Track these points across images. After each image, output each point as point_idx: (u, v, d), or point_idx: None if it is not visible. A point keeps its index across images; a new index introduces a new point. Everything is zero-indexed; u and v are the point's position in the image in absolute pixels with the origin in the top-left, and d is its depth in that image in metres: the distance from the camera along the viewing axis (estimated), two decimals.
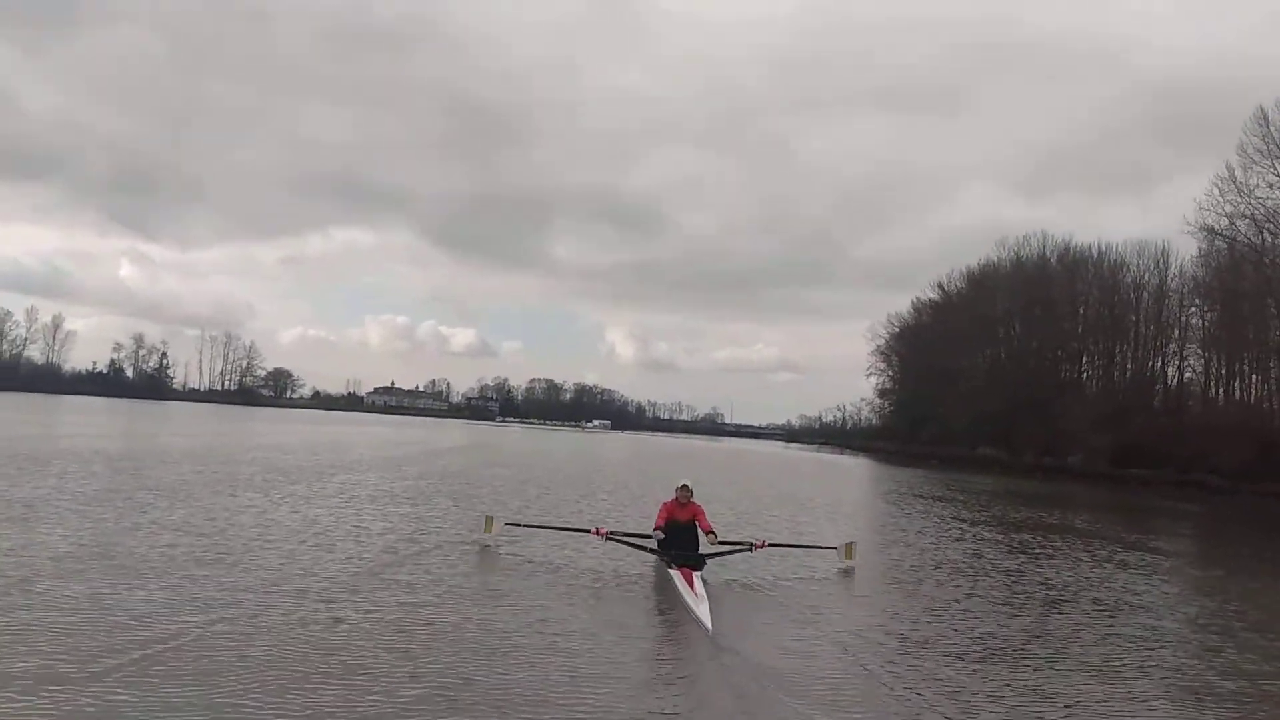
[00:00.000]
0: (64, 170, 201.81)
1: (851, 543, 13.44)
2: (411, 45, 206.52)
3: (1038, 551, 17.57)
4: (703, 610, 9.02)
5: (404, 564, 11.28)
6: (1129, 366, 75.21)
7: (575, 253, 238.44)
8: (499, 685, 6.57)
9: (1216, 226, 55.55)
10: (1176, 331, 71.57)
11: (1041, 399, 69.91)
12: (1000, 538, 19.78)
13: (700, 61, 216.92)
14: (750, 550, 12.39)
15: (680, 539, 11.52)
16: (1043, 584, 13.39)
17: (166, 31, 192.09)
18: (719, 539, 12.10)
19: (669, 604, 9.89)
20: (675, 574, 10.50)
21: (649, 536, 11.90)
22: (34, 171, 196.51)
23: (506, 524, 13.37)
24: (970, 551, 16.88)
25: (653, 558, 11.83)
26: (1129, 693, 7.59)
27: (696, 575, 10.26)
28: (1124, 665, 8.54)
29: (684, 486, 12.30)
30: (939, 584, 12.73)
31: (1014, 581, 13.41)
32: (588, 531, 12.90)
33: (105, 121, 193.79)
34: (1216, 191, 54.90)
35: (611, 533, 12.59)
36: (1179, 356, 71.50)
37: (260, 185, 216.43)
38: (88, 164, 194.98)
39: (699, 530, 11.90)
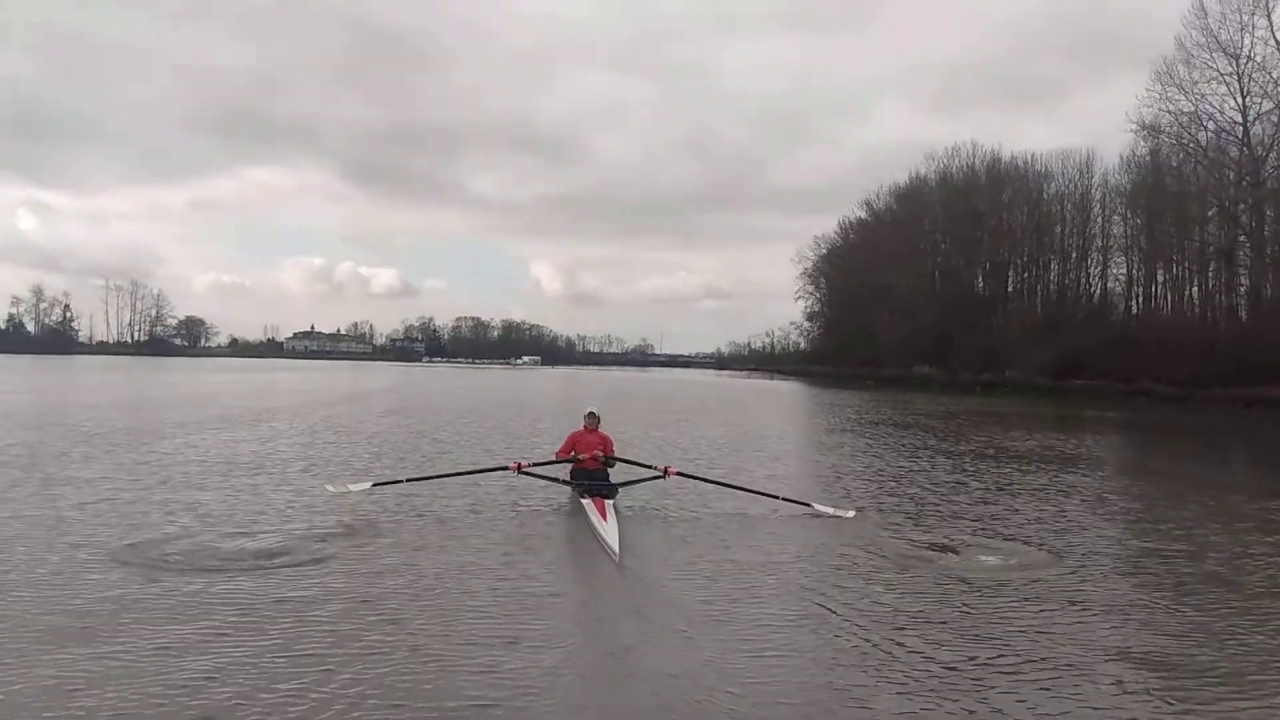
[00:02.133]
0: None
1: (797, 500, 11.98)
2: None
3: (989, 474, 16.14)
4: (611, 536, 9.02)
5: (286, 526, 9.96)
6: (1057, 279, 75.61)
7: (495, 185, 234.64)
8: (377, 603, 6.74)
9: (1157, 124, 55.02)
10: (1100, 240, 72.09)
11: (976, 314, 69.62)
12: (949, 459, 18.28)
13: None
14: (662, 477, 11.73)
15: (590, 468, 11.49)
16: (991, 507, 12.13)
17: None
18: (619, 457, 12.06)
19: (580, 534, 9.75)
20: (587, 503, 10.40)
21: (565, 463, 11.78)
22: None
23: (375, 485, 11.91)
24: (925, 480, 15.29)
25: (568, 490, 11.63)
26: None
27: (608, 504, 10.22)
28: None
29: (591, 414, 12.29)
30: (884, 519, 11.46)
31: (956, 505, 12.34)
32: (506, 468, 12.06)
33: None
34: (1158, 87, 54.19)
35: (530, 465, 11.89)
36: (1102, 265, 72.25)
37: (162, 123, 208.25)
38: None
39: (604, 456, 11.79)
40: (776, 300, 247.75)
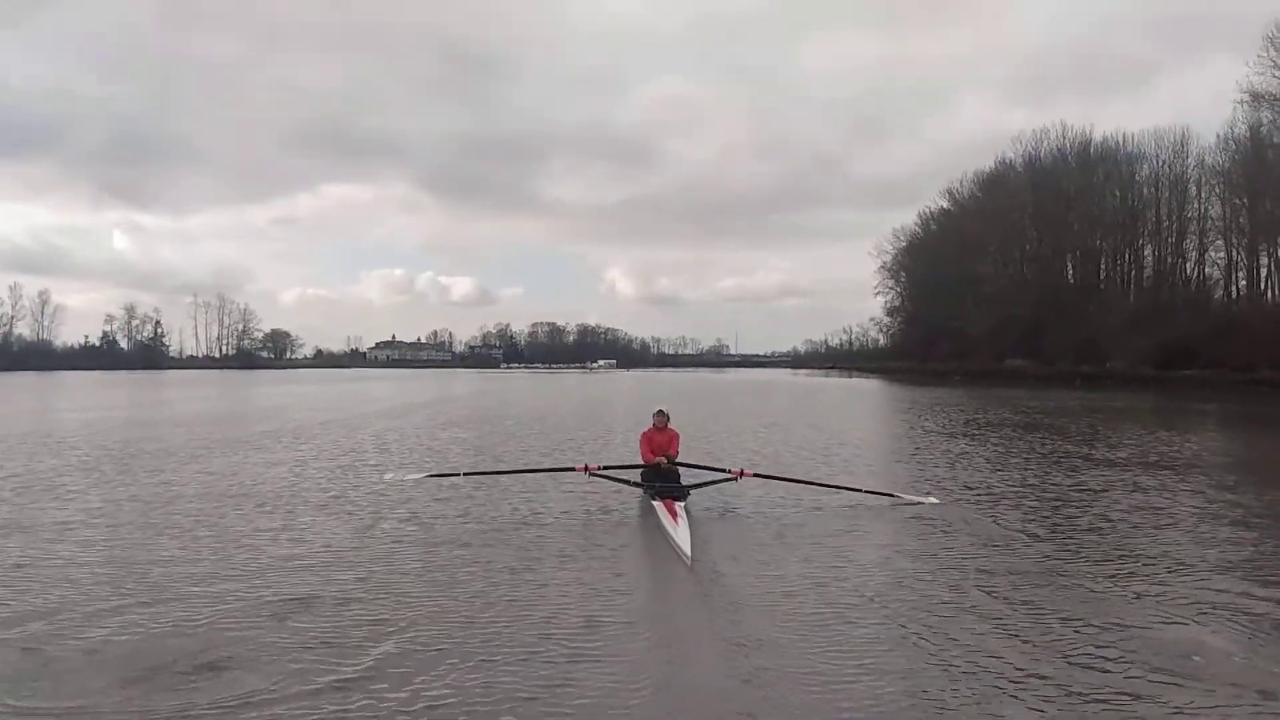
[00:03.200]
0: (55, 145, 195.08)
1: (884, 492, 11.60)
2: None
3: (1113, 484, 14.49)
4: (683, 538, 8.67)
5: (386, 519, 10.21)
6: (1152, 264, 72.23)
7: (571, 192, 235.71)
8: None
9: (1267, 92, 51.77)
10: (1198, 223, 68.56)
11: (1069, 303, 66.54)
12: (1070, 464, 16.63)
13: None
14: (735, 479, 11.21)
15: (663, 469, 11.10)
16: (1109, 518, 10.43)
17: None
18: (692, 463, 11.75)
19: (651, 536, 9.39)
20: (658, 505, 10.05)
21: (637, 467, 11.40)
22: (24, 148, 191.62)
23: (465, 474, 11.89)
24: (1035, 485, 13.75)
25: (638, 493, 11.26)
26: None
27: (679, 505, 9.87)
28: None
29: (659, 412, 11.90)
30: (992, 523, 10.27)
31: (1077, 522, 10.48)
32: (574, 469, 11.75)
33: (91, 89, 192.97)
34: (1271, 53, 51.28)
35: (600, 467, 11.57)
36: (1199, 248, 68.68)
37: (250, 143, 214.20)
38: (77, 136, 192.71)
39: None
40: (854, 296, 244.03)
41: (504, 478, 12.36)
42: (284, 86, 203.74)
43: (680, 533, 8.88)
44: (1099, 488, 12.59)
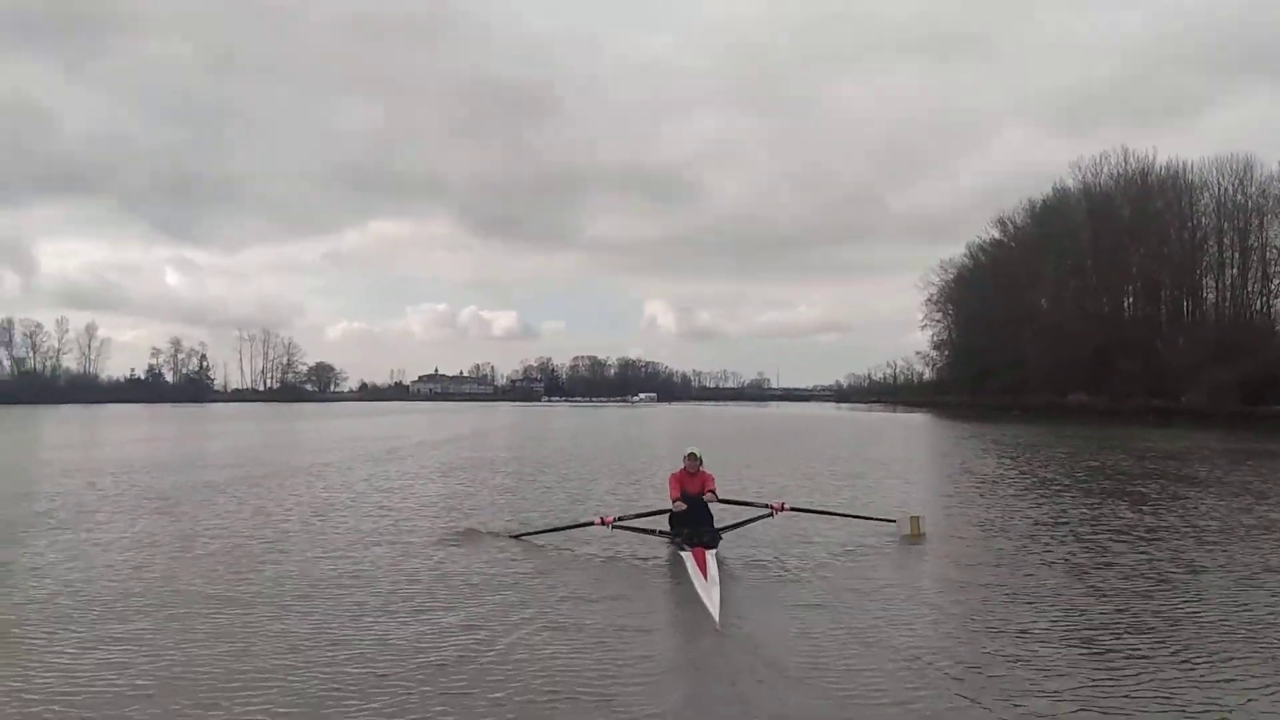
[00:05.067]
0: (109, 184, 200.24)
1: (918, 516, 11.52)
2: (433, 31, 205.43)
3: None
4: (713, 596, 8.03)
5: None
6: (1215, 295, 69.57)
7: (610, 227, 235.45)
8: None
9: None
10: (1261, 253, 66.02)
11: (1135, 334, 63.88)
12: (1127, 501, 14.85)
13: (722, 24, 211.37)
14: (771, 514, 10.90)
15: (692, 514, 10.38)
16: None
17: (194, 35, 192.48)
18: (726, 498, 11.17)
19: (679, 593, 8.67)
20: (687, 556, 9.37)
21: (663, 514, 10.72)
22: (80, 187, 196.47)
23: (512, 536, 11.57)
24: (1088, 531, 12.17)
25: (665, 539, 10.63)
26: None
27: (710, 554, 9.19)
28: None
29: (691, 455, 10.98)
30: (1030, 573, 9.51)
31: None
32: (592, 524, 11.03)
33: (144, 132, 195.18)
34: None
35: (619, 519, 10.95)
36: (1260, 279, 66.01)
37: (297, 182, 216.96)
38: (130, 175, 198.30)
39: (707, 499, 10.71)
40: (894, 331, 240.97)
41: (521, 540, 11.43)
42: (328, 127, 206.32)
43: (709, 589, 8.23)
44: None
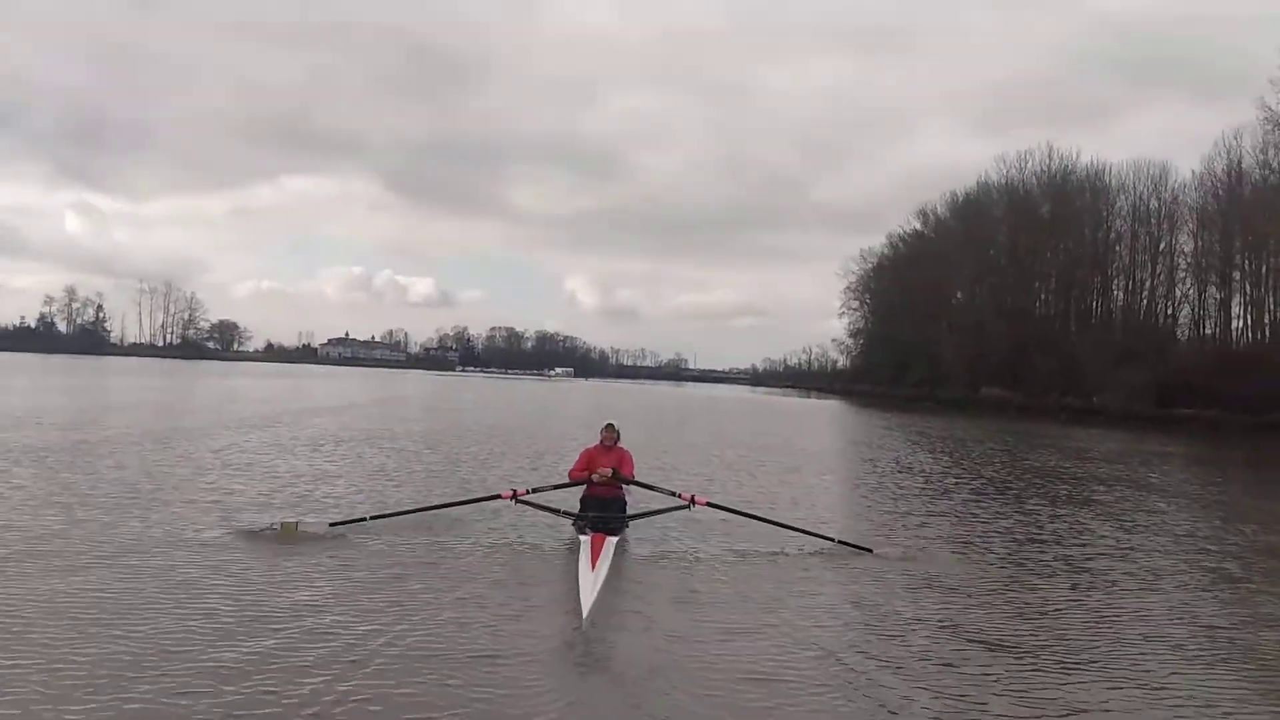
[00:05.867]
0: (11, 124, 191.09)
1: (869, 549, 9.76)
2: None
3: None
4: (589, 591, 7.01)
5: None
6: (1128, 297, 70.69)
7: (535, 198, 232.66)
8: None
9: None
10: (1169, 259, 67.26)
11: (1050, 332, 64.34)
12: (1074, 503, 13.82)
13: (660, 2, 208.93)
14: (688, 507, 9.81)
15: (602, 495, 9.66)
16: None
17: None
18: (640, 481, 10.26)
19: (560, 583, 7.86)
20: (585, 541, 8.37)
21: (579, 484, 9.92)
22: None
23: (372, 517, 9.92)
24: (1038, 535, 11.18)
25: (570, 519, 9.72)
26: None
27: (610, 542, 8.35)
28: None
29: (609, 425, 10.40)
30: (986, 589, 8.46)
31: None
32: (499, 496, 10.03)
33: (52, 73, 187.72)
34: None
35: (531, 490, 9.92)
36: (1174, 284, 67.23)
37: (210, 133, 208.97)
38: (35, 117, 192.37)
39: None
40: (811, 318, 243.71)
41: (419, 516, 10.02)
42: (244, 79, 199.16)
43: (592, 581, 7.30)
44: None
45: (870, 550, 9.55)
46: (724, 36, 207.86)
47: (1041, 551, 10.38)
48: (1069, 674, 5.97)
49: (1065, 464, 22.51)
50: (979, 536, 11.26)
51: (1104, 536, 11.54)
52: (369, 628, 6.23)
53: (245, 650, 5.66)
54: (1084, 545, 10.92)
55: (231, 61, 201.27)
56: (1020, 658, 6.30)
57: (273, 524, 9.36)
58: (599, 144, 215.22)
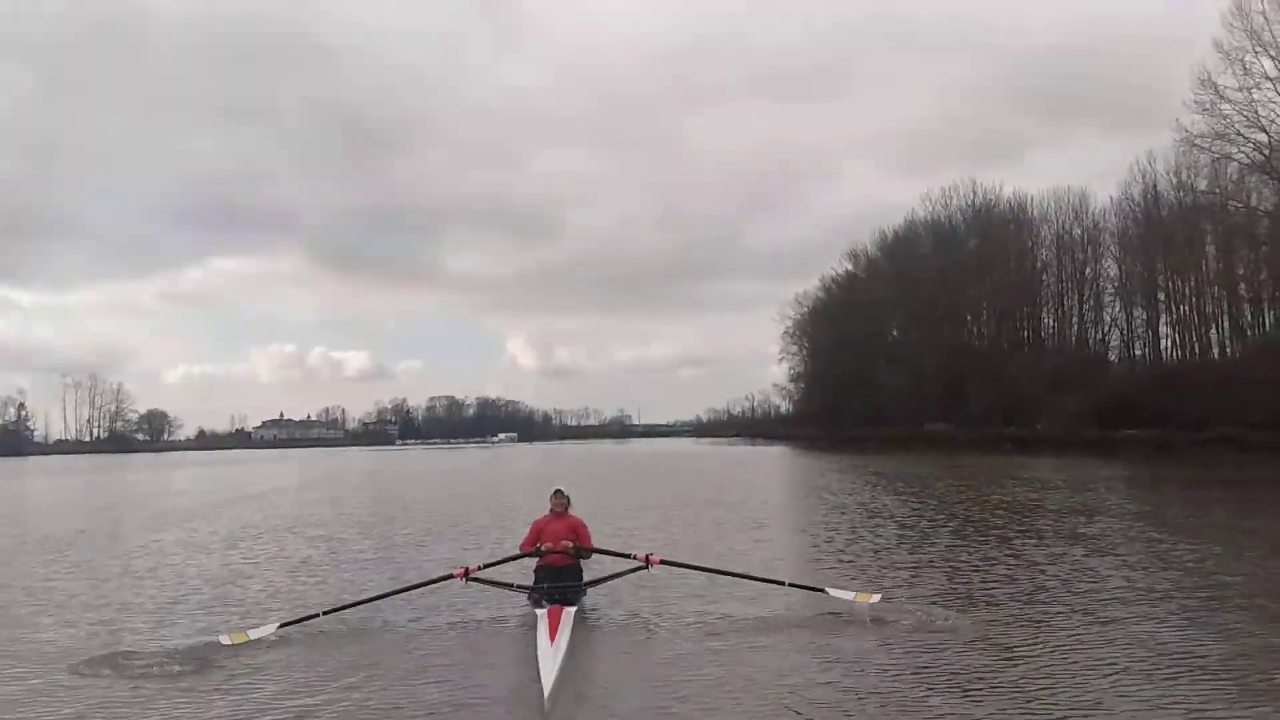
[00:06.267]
0: None
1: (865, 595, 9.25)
2: (285, 59, 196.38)
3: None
4: (549, 671, 6.61)
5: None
6: (1058, 324, 71.93)
7: (468, 263, 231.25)
8: None
9: (1208, 131, 47.37)
10: (1096, 284, 68.69)
11: (985, 362, 64.81)
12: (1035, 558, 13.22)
13: (578, 55, 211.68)
14: (646, 566, 9.48)
15: (556, 564, 9.26)
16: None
17: (38, 62, 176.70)
18: (593, 547, 9.82)
19: (519, 663, 7.38)
20: (541, 614, 8.01)
21: (530, 554, 9.53)
22: None
23: (325, 613, 9.18)
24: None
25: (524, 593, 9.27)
26: None
27: (568, 613, 8.04)
28: None
29: (557, 492, 10.01)
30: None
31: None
32: (451, 576, 9.47)
33: None
34: (1203, 98, 46.47)
35: (482, 566, 9.58)
36: (1095, 309, 68.58)
37: (135, 217, 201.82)
38: None
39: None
40: (752, 365, 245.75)
41: (372, 605, 9.59)
42: (170, 160, 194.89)
43: (552, 658, 6.99)
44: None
45: (823, 590, 9.19)
46: (647, 86, 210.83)
47: (988, 576, 10.07)
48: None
49: (1032, 494, 22.02)
50: (955, 571, 10.83)
51: (1108, 575, 10.76)
52: None
53: None
54: (1070, 577, 10.36)
55: (154, 142, 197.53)
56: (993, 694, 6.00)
57: (219, 636, 8.49)
58: (531, 205, 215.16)
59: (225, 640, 8.31)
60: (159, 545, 16.61)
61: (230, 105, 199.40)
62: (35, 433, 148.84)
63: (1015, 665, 6.90)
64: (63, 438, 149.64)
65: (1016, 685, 6.36)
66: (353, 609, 9.30)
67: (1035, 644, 7.51)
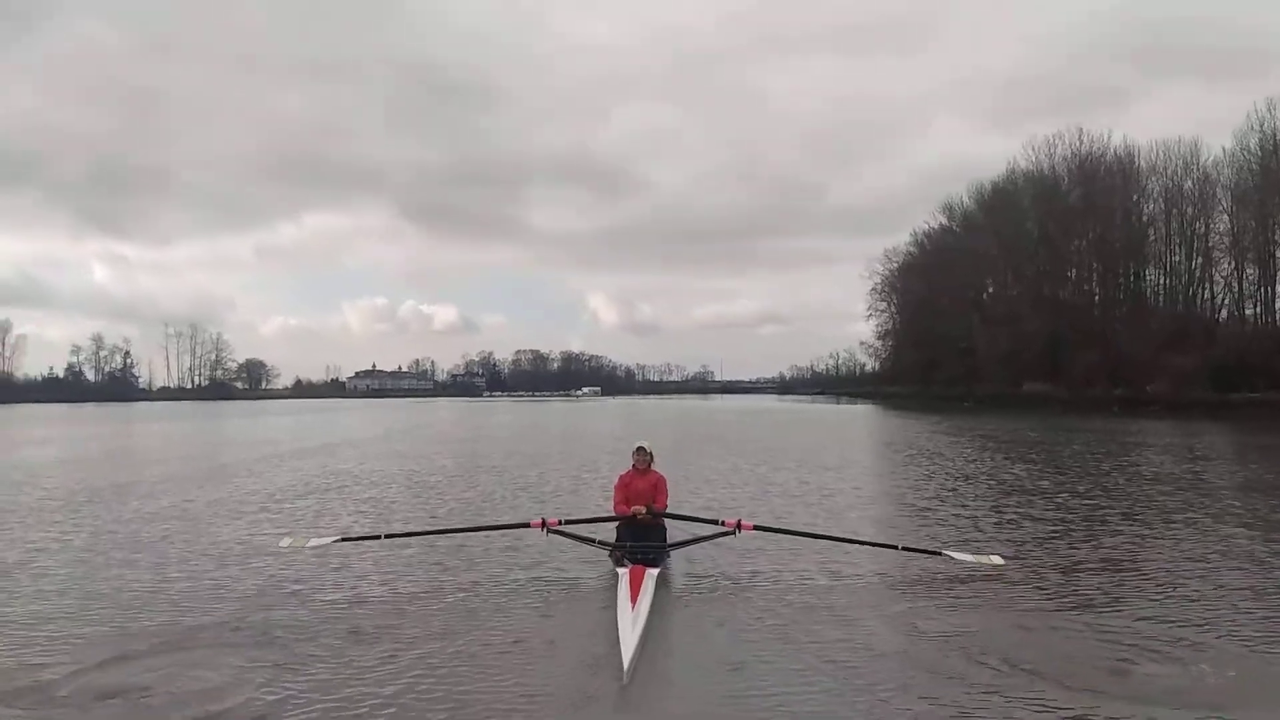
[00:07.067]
0: (34, 175, 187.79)
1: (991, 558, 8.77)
2: (372, 16, 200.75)
3: None
4: (632, 636, 6.20)
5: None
6: (1166, 282, 68.76)
7: (551, 219, 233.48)
8: None
9: None
10: (1207, 240, 65.24)
11: (1089, 322, 62.32)
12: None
13: (656, 10, 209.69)
14: (734, 532, 8.88)
15: (638, 522, 8.77)
16: None
17: (123, 21, 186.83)
18: (676, 514, 9.35)
19: (598, 626, 6.86)
20: (623, 574, 7.68)
21: (612, 519, 9.07)
22: (3, 179, 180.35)
23: (387, 536, 9.76)
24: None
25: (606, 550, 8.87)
26: None
27: (650, 575, 7.68)
28: None
29: (640, 449, 9.49)
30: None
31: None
32: (527, 525, 9.17)
33: (72, 121, 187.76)
34: None
35: (562, 522, 9.09)
36: (1215, 267, 65.15)
37: (229, 173, 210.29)
38: (57, 166, 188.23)
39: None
40: (834, 322, 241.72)
41: (436, 538, 9.99)
42: (260, 116, 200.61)
43: (633, 624, 6.53)
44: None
45: (939, 553, 8.81)
46: (724, 40, 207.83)
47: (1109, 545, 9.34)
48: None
49: (1178, 467, 19.30)
50: (1087, 540, 10.13)
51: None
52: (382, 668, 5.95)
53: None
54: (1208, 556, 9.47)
55: (245, 99, 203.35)
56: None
57: (280, 541, 9.46)
58: (612, 159, 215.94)
59: (285, 543, 9.14)
60: (280, 476, 17.12)
61: (320, 62, 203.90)
62: (140, 380, 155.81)
63: (1161, 643, 6.40)
64: (165, 385, 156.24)
65: (1179, 660, 5.92)
66: (418, 537, 9.88)
67: (1185, 623, 6.90)
